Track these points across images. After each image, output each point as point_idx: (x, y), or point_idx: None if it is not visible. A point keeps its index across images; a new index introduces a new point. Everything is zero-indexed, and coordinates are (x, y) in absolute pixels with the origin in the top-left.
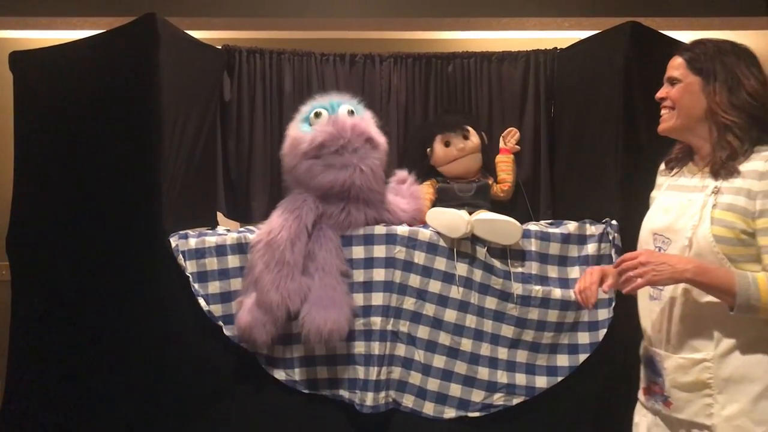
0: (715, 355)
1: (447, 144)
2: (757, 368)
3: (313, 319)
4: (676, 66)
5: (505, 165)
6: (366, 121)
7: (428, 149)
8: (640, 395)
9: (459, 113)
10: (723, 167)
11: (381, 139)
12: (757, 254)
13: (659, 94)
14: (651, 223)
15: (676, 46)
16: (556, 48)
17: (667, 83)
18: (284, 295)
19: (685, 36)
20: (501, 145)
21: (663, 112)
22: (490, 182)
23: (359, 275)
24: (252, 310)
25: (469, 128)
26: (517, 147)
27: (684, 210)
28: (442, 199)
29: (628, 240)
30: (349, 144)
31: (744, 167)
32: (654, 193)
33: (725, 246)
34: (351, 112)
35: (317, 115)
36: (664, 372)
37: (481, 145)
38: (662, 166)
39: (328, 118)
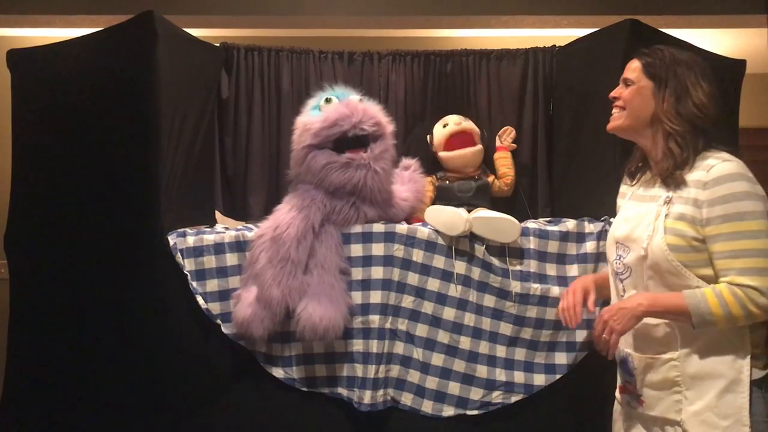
0: (681, 354)
1: (445, 126)
2: (720, 365)
3: (309, 316)
4: (633, 69)
5: (504, 161)
6: (376, 108)
7: (429, 136)
8: (617, 394)
9: (458, 106)
10: (671, 177)
11: (389, 127)
12: (710, 259)
13: (612, 94)
14: (613, 231)
15: (674, 44)
16: (555, 46)
17: (622, 84)
18: (285, 292)
19: (684, 34)
20: (497, 143)
21: (614, 111)
22: (491, 180)
23: (357, 273)
24: (252, 305)
25: (465, 117)
26: (514, 145)
27: (640, 220)
28: (441, 199)
29: None
30: (360, 124)
31: (690, 177)
32: (619, 201)
33: (679, 254)
34: (360, 101)
35: (327, 101)
36: (635, 372)
37: (481, 138)
38: (625, 174)
39: (339, 102)
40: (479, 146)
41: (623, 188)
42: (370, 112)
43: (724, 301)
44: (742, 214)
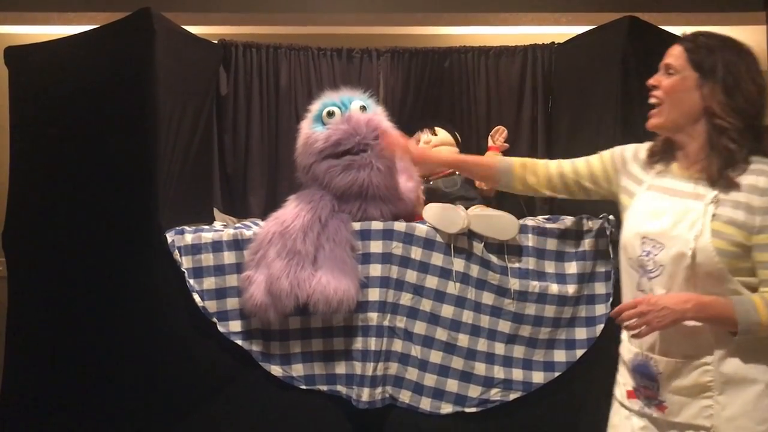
0: (715, 357)
1: (417, 143)
2: (756, 369)
3: (323, 288)
4: (676, 55)
5: None
6: (378, 115)
7: None
8: (622, 398)
9: (429, 116)
10: (721, 177)
11: (393, 132)
12: (753, 268)
13: (651, 81)
14: (638, 225)
15: (673, 41)
16: (553, 43)
17: (663, 71)
18: (294, 284)
19: (683, 31)
20: (489, 143)
21: (652, 101)
22: None
23: None
24: (267, 290)
25: (437, 128)
26: (506, 145)
27: (681, 217)
28: (430, 199)
29: None
30: (364, 140)
31: (743, 180)
32: (631, 186)
33: (725, 258)
34: (363, 108)
35: (330, 114)
36: (659, 376)
37: (455, 142)
38: (642, 155)
39: (342, 116)
40: (451, 148)
41: (638, 172)
42: (373, 123)
43: None
44: None
